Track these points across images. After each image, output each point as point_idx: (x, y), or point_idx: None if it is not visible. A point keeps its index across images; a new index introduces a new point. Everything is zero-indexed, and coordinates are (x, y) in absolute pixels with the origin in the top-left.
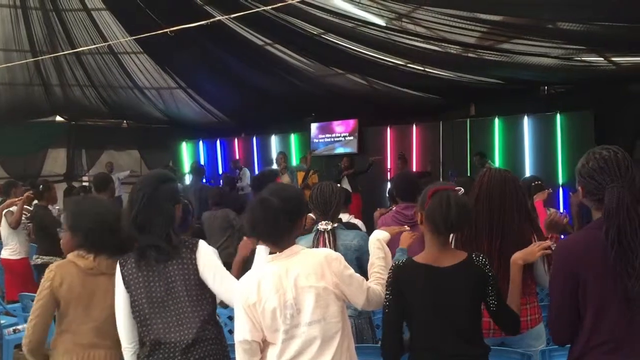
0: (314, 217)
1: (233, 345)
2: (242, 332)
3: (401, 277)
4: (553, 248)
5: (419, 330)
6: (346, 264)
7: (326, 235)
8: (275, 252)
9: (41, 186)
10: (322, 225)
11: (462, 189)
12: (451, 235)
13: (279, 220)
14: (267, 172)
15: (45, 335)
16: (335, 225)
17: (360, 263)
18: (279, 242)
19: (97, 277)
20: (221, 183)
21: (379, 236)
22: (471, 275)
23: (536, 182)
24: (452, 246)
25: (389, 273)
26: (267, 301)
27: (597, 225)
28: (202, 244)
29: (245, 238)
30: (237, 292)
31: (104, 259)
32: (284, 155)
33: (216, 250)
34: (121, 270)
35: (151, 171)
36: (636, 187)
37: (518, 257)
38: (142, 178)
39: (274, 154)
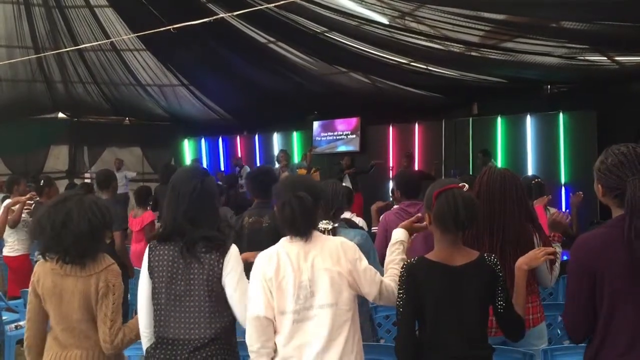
0: None
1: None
2: (256, 308)
3: (415, 275)
4: (558, 251)
5: (428, 329)
6: (361, 254)
7: (326, 234)
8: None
9: (42, 181)
10: (323, 225)
11: (467, 185)
12: None
13: (314, 214)
14: (266, 169)
15: (41, 330)
16: (336, 225)
17: None
18: (310, 234)
19: (64, 277)
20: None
21: (399, 237)
22: (483, 274)
23: (536, 181)
24: None
25: (402, 271)
26: (283, 278)
27: (615, 223)
28: (234, 250)
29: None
30: (256, 265)
31: (66, 264)
32: (285, 153)
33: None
34: (149, 254)
35: (187, 166)
36: None
37: (523, 262)
38: (183, 173)
39: (276, 152)
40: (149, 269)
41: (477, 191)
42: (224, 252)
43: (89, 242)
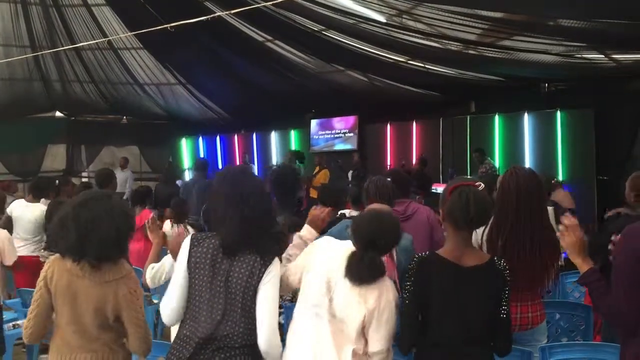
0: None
1: None
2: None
3: (425, 268)
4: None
5: (432, 326)
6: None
7: None
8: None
9: (57, 181)
10: None
11: (482, 184)
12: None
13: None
14: (287, 169)
15: (45, 325)
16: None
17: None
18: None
19: (80, 279)
20: None
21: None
22: (492, 277)
23: None
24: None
25: (412, 263)
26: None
27: None
28: (277, 263)
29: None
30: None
31: (87, 265)
32: (290, 153)
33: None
34: (190, 249)
35: (237, 167)
36: None
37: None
38: (239, 174)
39: (273, 150)
40: (188, 264)
41: (514, 199)
42: (270, 259)
43: (113, 249)
